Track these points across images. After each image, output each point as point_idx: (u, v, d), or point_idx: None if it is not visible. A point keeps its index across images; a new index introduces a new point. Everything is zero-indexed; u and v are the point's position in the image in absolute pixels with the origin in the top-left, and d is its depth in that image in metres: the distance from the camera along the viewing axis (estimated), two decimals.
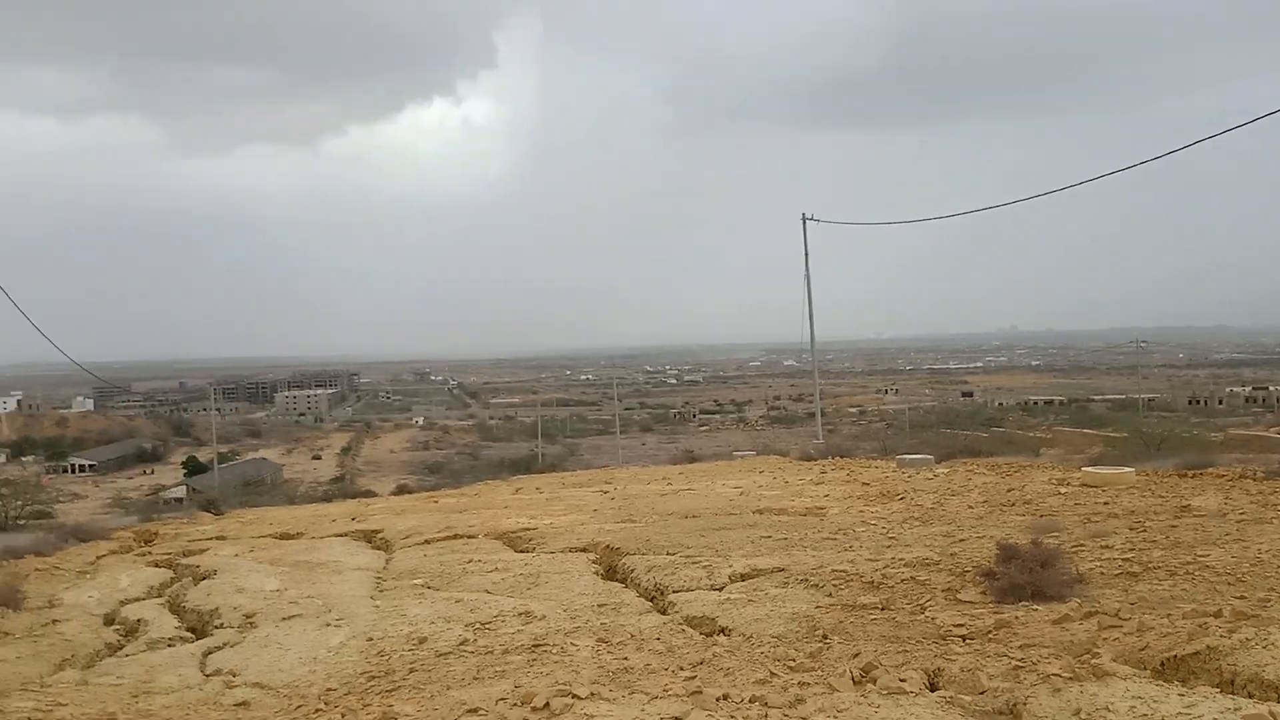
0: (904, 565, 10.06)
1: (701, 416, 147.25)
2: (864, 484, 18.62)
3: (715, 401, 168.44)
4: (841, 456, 25.72)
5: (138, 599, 12.87)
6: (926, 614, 8.06)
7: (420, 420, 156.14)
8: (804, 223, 35.06)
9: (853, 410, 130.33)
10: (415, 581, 11.88)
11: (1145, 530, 11.06)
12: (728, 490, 18.93)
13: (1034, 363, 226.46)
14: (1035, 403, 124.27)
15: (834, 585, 9.49)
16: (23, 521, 25.11)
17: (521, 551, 13.73)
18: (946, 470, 20.13)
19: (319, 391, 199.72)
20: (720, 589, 9.97)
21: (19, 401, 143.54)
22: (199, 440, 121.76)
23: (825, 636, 7.60)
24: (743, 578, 10.30)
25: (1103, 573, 8.91)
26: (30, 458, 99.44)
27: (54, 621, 11.42)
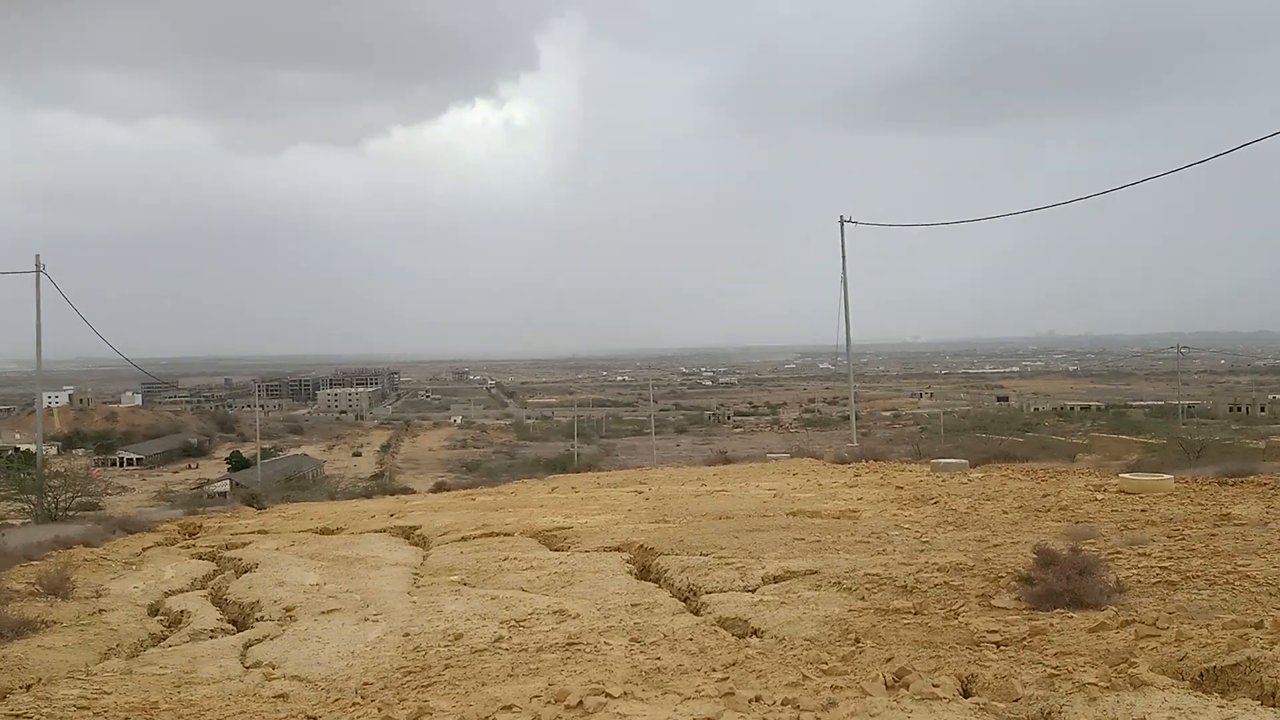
0: (937, 570, 10.02)
1: (736, 418, 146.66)
2: (898, 488, 18.53)
3: (750, 403, 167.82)
4: (875, 460, 25.60)
5: (181, 590, 13.15)
6: (960, 619, 8.03)
7: (459, 419, 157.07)
8: (841, 225, 34.88)
9: (887, 414, 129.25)
10: (452, 578, 12.02)
11: (1184, 539, 10.91)
12: (761, 492, 18.92)
13: (1071, 368, 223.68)
14: (1072, 408, 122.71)
15: (867, 589, 9.48)
16: (72, 513, 25.65)
17: (556, 550, 13.84)
18: (981, 475, 19.97)
19: (360, 389, 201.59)
20: (753, 590, 10.00)
21: (70, 396, 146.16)
22: (243, 436, 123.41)
23: (858, 640, 7.60)
24: (775, 580, 10.32)
25: (1140, 581, 8.82)
26: (80, 451, 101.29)
27: (100, 611, 11.71)
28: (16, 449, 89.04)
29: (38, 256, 30.90)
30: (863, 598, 9.19)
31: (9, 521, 20.71)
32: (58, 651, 9.78)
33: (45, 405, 45.15)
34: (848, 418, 40.60)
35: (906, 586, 9.45)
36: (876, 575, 9.96)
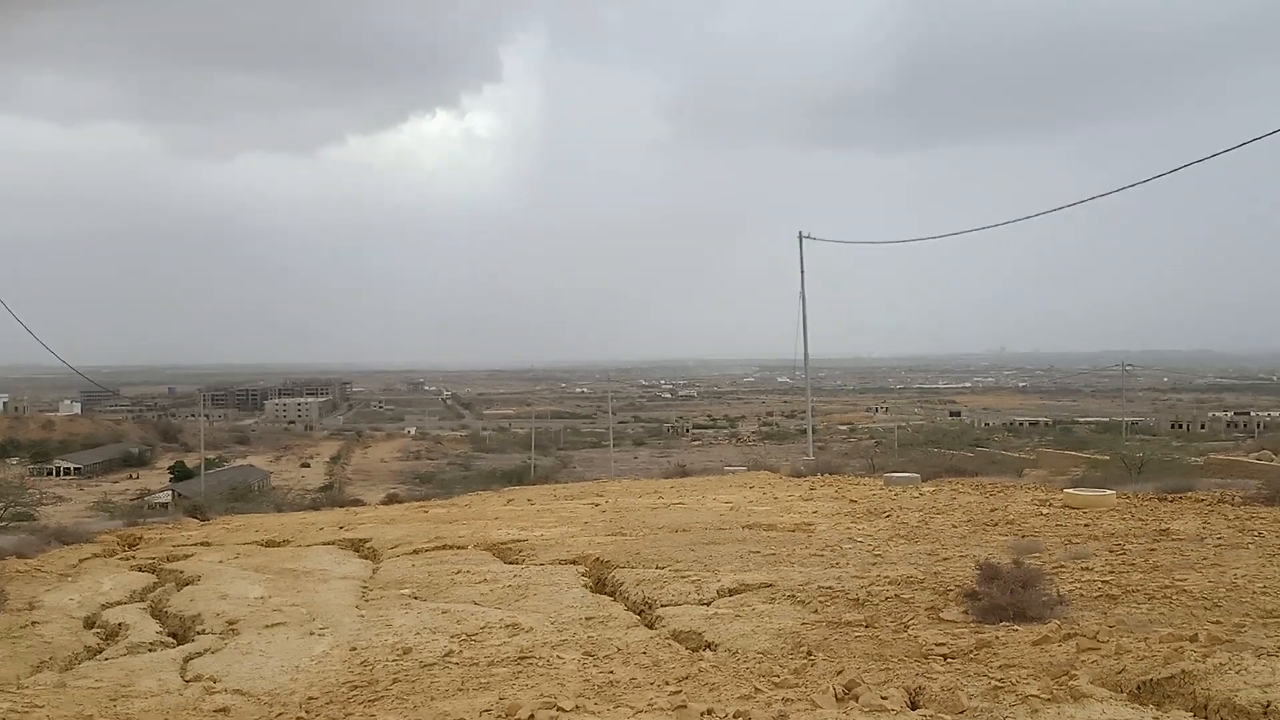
0: (889, 583, 10.08)
1: (694, 431, 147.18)
2: (852, 501, 18.66)
3: (709, 416, 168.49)
4: (831, 473, 25.79)
5: (119, 603, 12.80)
6: (910, 632, 8.08)
7: (412, 430, 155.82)
8: (800, 241, 35.18)
9: (844, 428, 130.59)
10: (402, 591, 11.85)
11: (1125, 553, 11.11)
12: (718, 505, 18.95)
13: (1021, 384, 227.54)
14: (1021, 423, 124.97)
15: (820, 602, 9.50)
16: (4, 523, 24.96)
17: (511, 563, 13.71)
18: (932, 489, 20.19)
19: (309, 399, 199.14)
20: (708, 604, 9.98)
21: (4, 404, 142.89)
22: (187, 446, 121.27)
23: (810, 653, 7.61)
24: (730, 593, 10.30)
25: (1083, 595, 8.95)
26: (14, 460, 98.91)
27: (34, 624, 11.35)
28: None
29: None
30: (816, 610, 9.21)
31: None
32: None
33: None
34: (805, 431, 40.87)
35: (859, 599, 9.49)
36: (830, 588, 10.00)
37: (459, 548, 15.29)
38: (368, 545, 16.54)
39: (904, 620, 8.56)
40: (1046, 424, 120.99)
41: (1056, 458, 32.34)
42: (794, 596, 9.81)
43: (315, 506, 32.07)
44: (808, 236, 35.34)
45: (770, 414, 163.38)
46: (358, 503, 34.78)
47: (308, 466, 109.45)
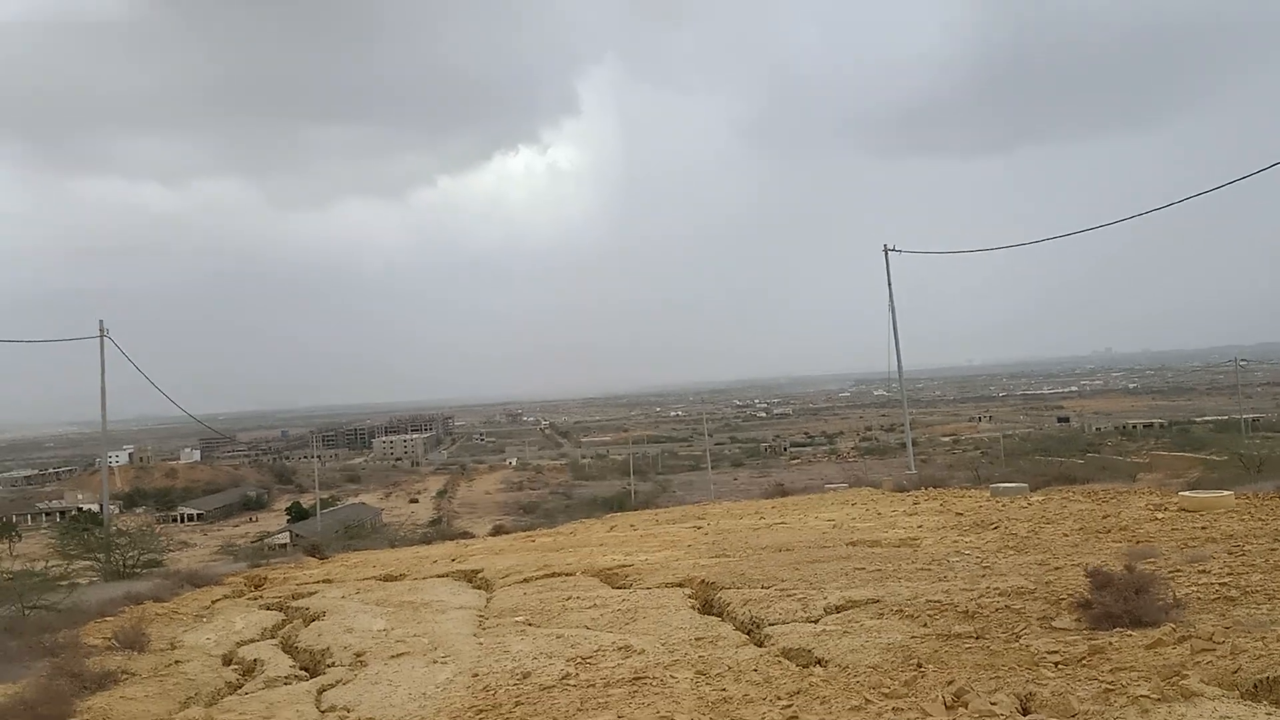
0: (999, 594, 10.03)
1: (792, 449, 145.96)
2: (958, 514, 18.43)
3: (806, 434, 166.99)
4: (935, 487, 25.43)
5: (253, 640, 13.50)
6: (1021, 642, 8.07)
7: (514, 461, 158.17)
8: (886, 254, 34.86)
9: (945, 439, 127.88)
10: (516, 619, 12.21)
11: (1244, 554, 10.81)
12: (821, 523, 18.93)
13: (1131, 385, 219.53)
14: (1133, 426, 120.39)
15: (929, 615, 9.52)
16: (139, 569, 26.28)
17: (618, 588, 13.98)
18: (1041, 498, 19.79)
19: (415, 436, 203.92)
20: (816, 621, 10.08)
21: (130, 455, 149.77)
22: (301, 487, 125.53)
23: (920, 665, 7.67)
24: (838, 609, 10.38)
25: (1199, 598, 8.79)
26: (141, 508, 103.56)
27: (176, 662, 12.09)
28: (80, 508, 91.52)
29: (101, 322, 31.93)
30: (925, 624, 9.23)
31: (76, 580, 21.32)
32: (139, 702, 10.14)
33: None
34: (905, 445, 40.31)
35: (968, 612, 9.48)
36: (938, 601, 10.00)
37: (567, 575, 15.63)
38: (480, 576, 17.02)
39: (1015, 630, 8.54)
40: (1161, 425, 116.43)
41: (1171, 460, 31.30)
42: (902, 611, 9.84)
43: (427, 540, 32.95)
44: (893, 249, 35.00)
45: (869, 428, 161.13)
46: (466, 535, 35.61)
47: (416, 501, 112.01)
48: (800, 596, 11.13)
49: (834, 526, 18.10)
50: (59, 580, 19.91)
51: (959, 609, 9.65)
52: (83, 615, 16.03)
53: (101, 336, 31.72)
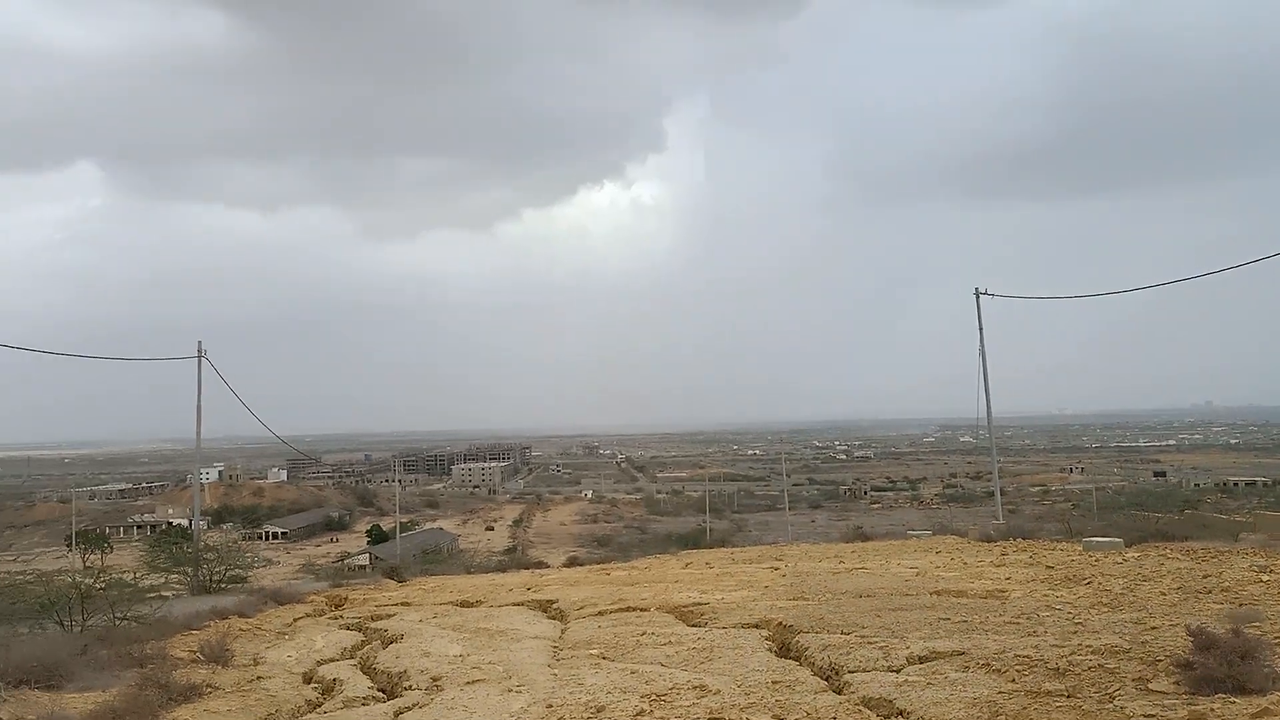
0: (1091, 652, 9.62)
1: (873, 493, 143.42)
2: (1048, 567, 17.83)
3: (888, 478, 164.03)
4: (1023, 538, 24.66)
5: (332, 659, 13.70)
6: (1115, 703, 7.70)
7: (589, 493, 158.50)
8: (977, 297, 34.11)
9: (1035, 490, 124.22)
10: (590, 651, 12.15)
11: None
12: (903, 570, 18.49)
13: (1232, 440, 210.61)
14: (1235, 484, 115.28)
15: (1017, 671, 9.17)
16: (224, 584, 26.89)
17: (694, 625, 13.82)
18: (1137, 554, 19.02)
19: (492, 464, 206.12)
20: (898, 670, 9.79)
21: (220, 472, 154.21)
22: (381, 510, 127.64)
23: None
24: (921, 660, 10.08)
25: None
26: (229, 525, 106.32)
27: (258, 678, 12.33)
28: (170, 523, 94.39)
29: (200, 343, 32.91)
30: (1013, 679, 8.89)
31: (164, 593, 21.92)
32: (221, 716, 10.34)
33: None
34: (992, 494, 39.25)
35: (1059, 669, 9.11)
36: (1027, 657, 9.63)
37: (642, 610, 15.52)
38: (555, 606, 17.02)
39: (1109, 691, 8.16)
40: (1264, 484, 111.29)
41: (1276, 521, 29.79)
42: (989, 665, 9.50)
43: (502, 569, 33.15)
44: (985, 293, 34.23)
45: (954, 475, 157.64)
46: (541, 565, 35.73)
47: (492, 529, 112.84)
48: (881, 644, 10.84)
49: (917, 574, 17.66)
50: (148, 592, 20.50)
51: (1049, 665, 9.27)
52: (170, 627, 16.46)
53: (199, 357, 32.71)
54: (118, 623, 16.96)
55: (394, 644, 13.92)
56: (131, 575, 23.52)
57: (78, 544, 79.65)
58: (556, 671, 10.97)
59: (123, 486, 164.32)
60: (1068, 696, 8.11)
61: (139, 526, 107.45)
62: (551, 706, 9.23)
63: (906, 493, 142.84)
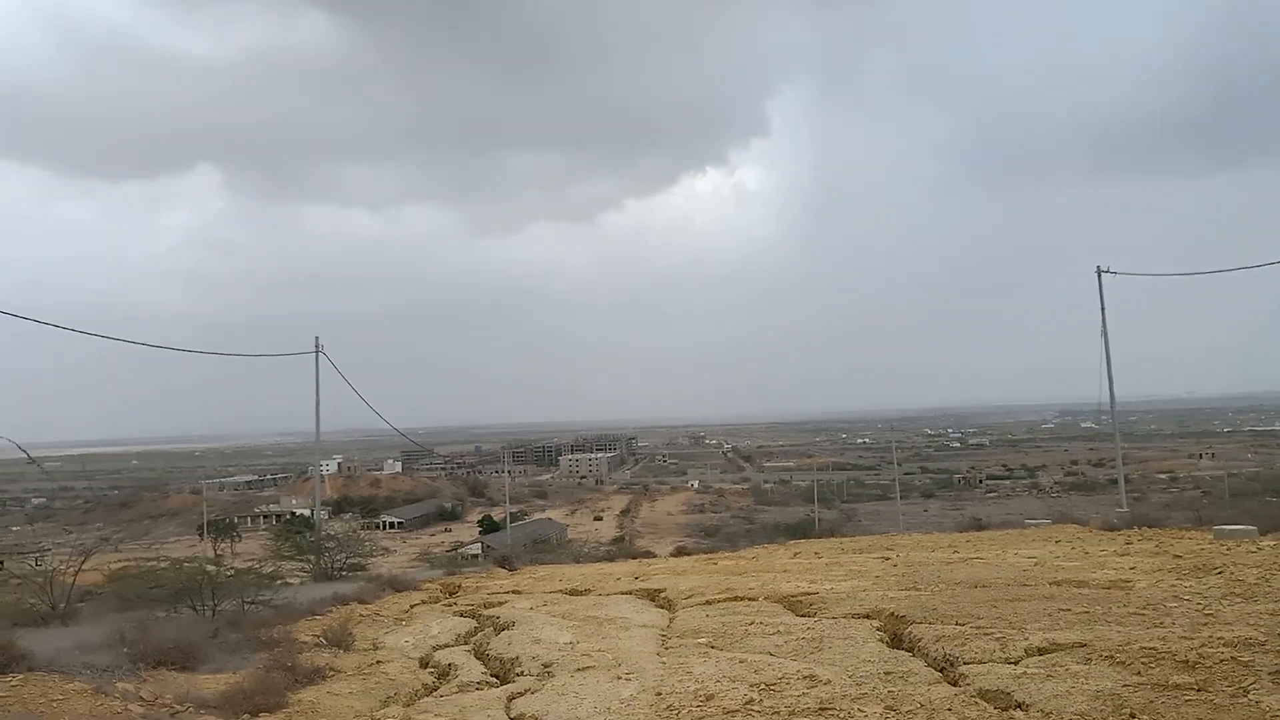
0: (1223, 644, 9.17)
1: (989, 482, 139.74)
2: (1175, 556, 17.06)
3: (1004, 466, 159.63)
4: (1149, 526, 23.69)
5: (447, 645, 14.04)
6: (1249, 697, 7.34)
7: (695, 483, 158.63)
8: (1099, 276, 32.83)
9: (1161, 476, 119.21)
10: (699, 640, 12.15)
11: None
12: (1021, 560, 17.96)
13: None
14: None
15: (1143, 663, 8.81)
16: (345, 572, 27.82)
17: (803, 615, 13.68)
18: (1272, 543, 18.05)
19: (599, 455, 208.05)
20: (1015, 662, 9.51)
21: (339, 464, 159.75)
22: (492, 500, 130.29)
23: (1133, 716, 7.12)
24: (1040, 652, 9.77)
25: None
26: (348, 515, 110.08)
27: (378, 662, 12.71)
28: (293, 513, 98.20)
29: (317, 339, 34.04)
30: (1138, 672, 8.55)
31: (289, 580, 22.76)
32: (344, 698, 10.69)
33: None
34: (1115, 481, 37.78)
35: (1188, 661, 8.72)
36: (1153, 649, 9.24)
37: (750, 599, 15.44)
38: (662, 595, 17.07)
39: (1242, 684, 7.78)
40: None
41: None
42: (1112, 657, 9.15)
43: (610, 558, 33.43)
44: (1107, 271, 32.91)
45: (1074, 462, 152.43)
46: (649, 554, 35.90)
47: (600, 519, 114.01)
48: (998, 636, 10.55)
49: (1036, 564, 17.12)
50: (274, 579, 21.33)
51: (1177, 658, 8.88)
52: (295, 613, 17.10)
53: (317, 352, 33.86)
54: (247, 608, 17.69)
55: (506, 631, 14.18)
56: (259, 563, 24.54)
57: (209, 533, 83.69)
58: (665, 660, 11.01)
59: (249, 478, 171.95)
60: (1198, 690, 7.77)
61: (265, 516, 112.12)
62: (661, 694, 9.26)
63: (1024, 481, 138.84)
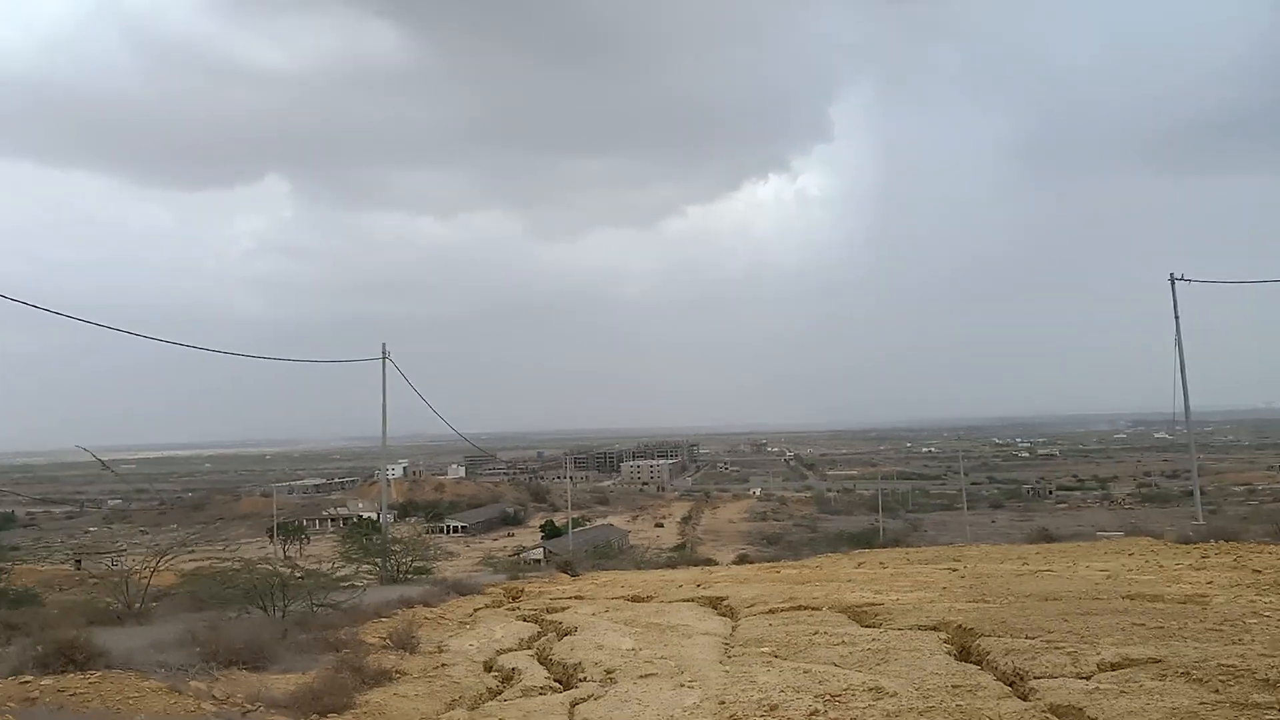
0: None
1: (1059, 493, 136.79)
2: (1255, 571, 16.53)
3: (1074, 477, 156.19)
4: (1227, 539, 22.98)
5: (511, 649, 14.17)
6: None
7: (758, 491, 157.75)
8: (1172, 283, 31.99)
9: (1239, 489, 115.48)
10: (762, 649, 12.08)
11: None
12: (1092, 573, 17.55)
13: None
14: None
15: (1221, 681, 8.55)
16: (410, 575, 28.20)
17: (868, 626, 13.54)
18: None
19: (661, 462, 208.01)
20: (1087, 678, 9.30)
21: (404, 469, 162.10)
22: (554, 505, 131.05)
23: None
24: (1113, 667, 9.54)
25: None
26: (413, 519, 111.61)
27: (443, 665, 12.88)
28: (360, 516, 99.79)
29: (384, 345, 34.58)
30: (1216, 690, 8.31)
31: (355, 582, 23.10)
32: (410, 700, 10.86)
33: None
34: (1191, 493, 36.74)
35: (1268, 680, 8.44)
36: (1232, 666, 8.97)
37: (813, 609, 15.32)
38: (725, 603, 17.02)
39: None
40: None
41: None
42: (1189, 674, 8.90)
43: (672, 565, 33.41)
44: (1180, 278, 32.03)
45: (1147, 474, 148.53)
46: (710, 562, 35.83)
47: (661, 526, 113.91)
48: (1070, 650, 10.32)
49: (1108, 577, 16.72)
50: (342, 581, 21.71)
51: (1258, 676, 8.61)
52: (362, 615, 17.40)
53: (384, 358, 34.42)
54: (315, 609, 18.04)
55: (568, 636, 14.26)
56: (327, 565, 24.99)
57: (279, 535, 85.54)
58: (728, 668, 10.98)
59: (318, 482, 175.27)
60: (1279, 710, 7.53)
61: (332, 519, 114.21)
62: (724, 703, 9.23)
63: (1095, 492, 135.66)
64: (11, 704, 9.39)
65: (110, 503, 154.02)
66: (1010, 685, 9.57)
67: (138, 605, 18.37)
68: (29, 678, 10.30)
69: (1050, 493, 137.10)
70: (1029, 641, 10.99)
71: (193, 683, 10.70)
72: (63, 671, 10.53)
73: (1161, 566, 18.18)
